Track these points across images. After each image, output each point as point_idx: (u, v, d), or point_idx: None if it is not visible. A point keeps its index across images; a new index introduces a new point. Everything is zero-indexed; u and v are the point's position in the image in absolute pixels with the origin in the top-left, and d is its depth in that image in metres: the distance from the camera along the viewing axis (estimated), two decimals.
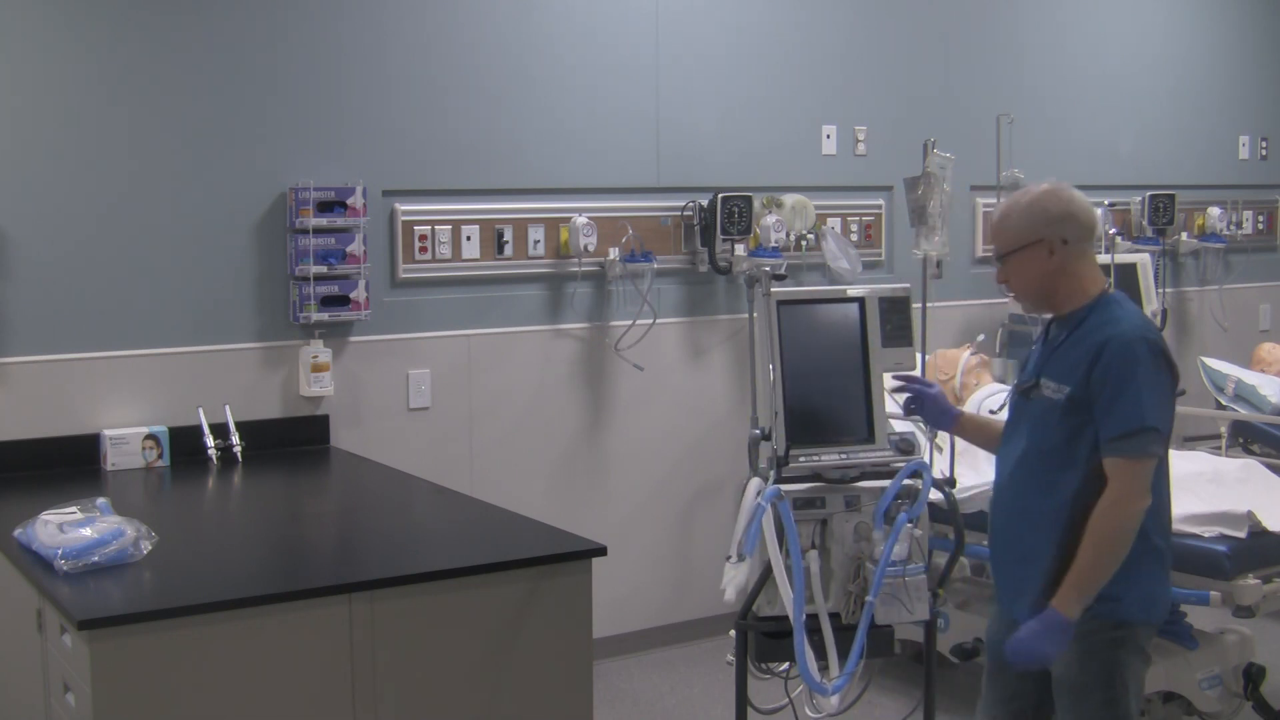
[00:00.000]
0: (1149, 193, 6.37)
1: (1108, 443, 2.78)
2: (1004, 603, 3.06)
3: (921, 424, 3.26)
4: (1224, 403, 5.43)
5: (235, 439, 4.22)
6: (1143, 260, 5.88)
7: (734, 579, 3.45)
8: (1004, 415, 3.19)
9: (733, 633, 3.57)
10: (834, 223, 5.50)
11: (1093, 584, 2.77)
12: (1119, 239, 6.14)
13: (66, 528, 3.02)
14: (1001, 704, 3.12)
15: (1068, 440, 2.85)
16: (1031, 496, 2.93)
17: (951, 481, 3.93)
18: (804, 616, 3.37)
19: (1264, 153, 7.07)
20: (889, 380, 3.52)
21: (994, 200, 5.11)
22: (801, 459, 3.47)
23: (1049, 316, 3.05)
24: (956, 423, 3.33)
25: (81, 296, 4.15)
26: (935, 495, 3.49)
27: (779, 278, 3.70)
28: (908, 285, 3.76)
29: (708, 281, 5.28)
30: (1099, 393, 2.79)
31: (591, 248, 4.87)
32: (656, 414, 5.20)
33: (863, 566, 3.47)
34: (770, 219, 5.19)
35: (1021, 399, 3.00)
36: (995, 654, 3.11)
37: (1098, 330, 2.86)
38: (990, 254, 3.14)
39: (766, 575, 3.44)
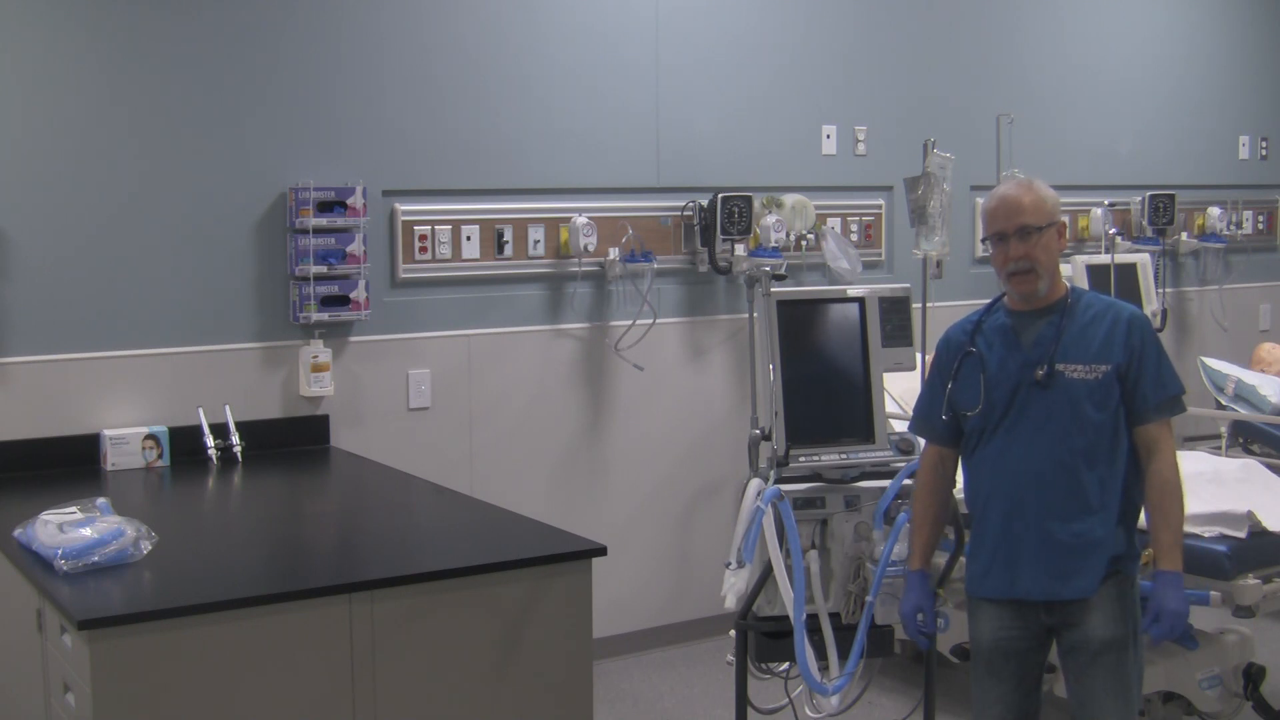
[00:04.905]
0: (1149, 193, 6.37)
1: (1157, 407, 2.97)
2: (1037, 588, 3.00)
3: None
4: (1224, 403, 5.43)
5: (235, 439, 4.22)
6: (1143, 260, 5.88)
7: (734, 586, 3.45)
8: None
9: (733, 633, 3.57)
10: (834, 223, 5.50)
11: (1182, 537, 2.97)
12: (1119, 239, 6.14)
13: (66, 528, 3.02)
14: (998, 704, 3.11)
15: (1114, 413, 2.96)
16: (1085, 474, 2.96)
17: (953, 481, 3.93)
18: (804, 616, 3.37)
19: (1264, 153, 7.07)
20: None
21: None
22: (801, 459, 3.48)
23: (992, 312, 3.12)
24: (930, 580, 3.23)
25: (81, 296, 4.15)
26: None
27: (779, 278, 3.70)
28: (908, 285, 3.77)
29: (708, 281, 5.28)
30: (1140, 363, 2.96)
31: (591, 248, 4.87)
32: (656, 414, 5.20)
33: (863, 566, 3.48)
34: (770, 219, 5.19)
35: (1035, 388, 2.98)
36: (991, 654, 3.10)
37: (1108, 310, 3.01)
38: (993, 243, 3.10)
39: (766, 575, 3.44)
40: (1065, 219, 3.06)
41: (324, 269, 4.38)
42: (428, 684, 2.94)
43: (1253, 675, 4.13)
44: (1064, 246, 3.06)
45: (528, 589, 3.05)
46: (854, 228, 5.60)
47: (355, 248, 4.42)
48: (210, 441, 4.19)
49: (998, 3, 6.07)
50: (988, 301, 3.18)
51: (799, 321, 3.61)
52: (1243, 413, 5.28)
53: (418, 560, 3.18)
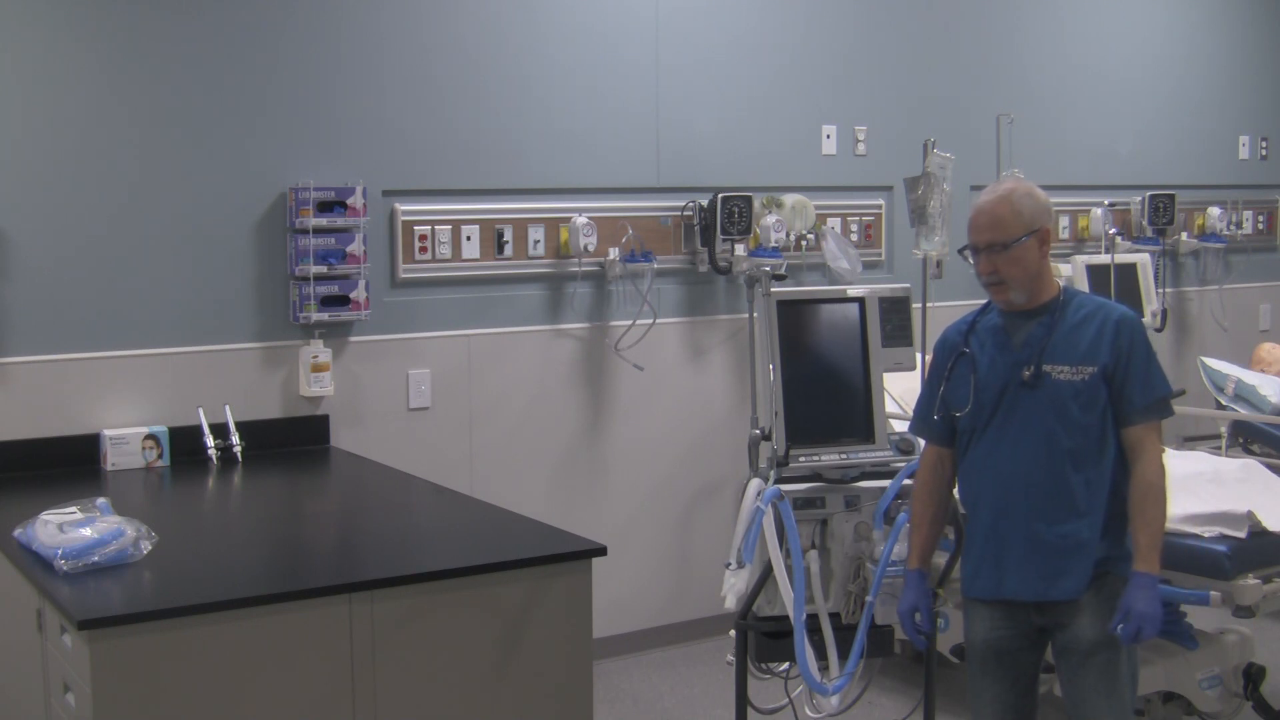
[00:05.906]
0: (1149, 193, 6.37)
1: (1143, 410, 2.94)
2: (1025, 589, 2.99)
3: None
4: (1224, 403, 5.43)
5: (235, 439, 4.22)
6: (1143, 260, 5.88)
7: (734, 586, 3.45)
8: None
9: (733, 633, 3.57)
10: (834, 223, 5.50)
11: (1161, 540, 2.94)
12: (1119, 239, 6.14)
13: (66, 528, 3.02)
14: (994, 703, 3.11)
15: (1101, 415, 2.95)
16: (1071, 477, 2.94)
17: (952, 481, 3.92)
18: (804, 616, 3.37)
19: (1264, 153, 7.07)
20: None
21: None
22: (801, 459, 3.48)
23: (986, 312, 3.12)
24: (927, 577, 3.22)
25: (81, 296, 4.14)
26: None
27: (779, 278, 3.70)
28: (908, 285, 3.77)
29: (708, 281, 5.28)
30: (1126, 365, 2.93)
31: (591, 248, 4.87)
32: (656, 414, 5.19)
33: (863, 566, 3.48)
34: (770, 219, 5.19)
35: (1022, 390, 2.98)
36: (984, 654, 3.10)
37: (1098, 311, 2.99)
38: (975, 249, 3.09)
39: (766, 575, 3.44)
40: (1049, 224, 3.01)
41: (324, 269, 4.38)
42: (428, 684, 2.94)
43: (1253, 675, 4.13)
44: (1047, 252, 3.02)
45: (528, 589, 3.05)
46: (854, 228, 5.60)
47: (355, 248, 4.42)
48: (210, 441, 4.19)
49: (998, 3, 6.07)
50: (985, 301, 3.18)
51: (799, 321, 3.61)
52: (1243, 413, 5.28)
53: (418, 560, 3.18)
